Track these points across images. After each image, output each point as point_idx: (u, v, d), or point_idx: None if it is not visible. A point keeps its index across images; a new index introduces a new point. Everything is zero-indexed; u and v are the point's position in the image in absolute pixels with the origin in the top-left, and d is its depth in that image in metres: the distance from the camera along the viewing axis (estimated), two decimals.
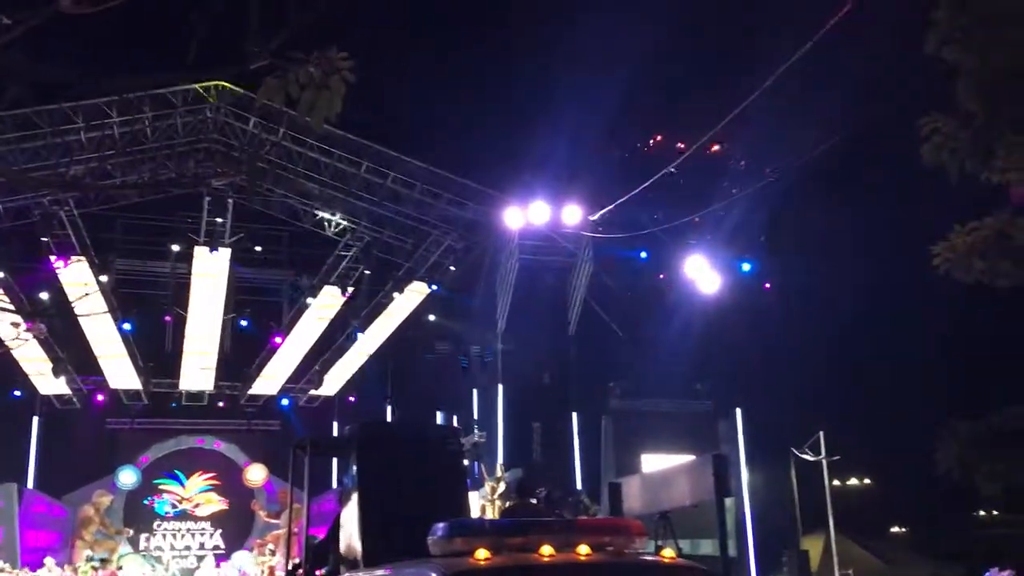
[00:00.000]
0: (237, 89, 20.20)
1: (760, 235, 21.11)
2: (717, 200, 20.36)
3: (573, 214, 18.85)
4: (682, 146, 19.15)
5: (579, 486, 21.41)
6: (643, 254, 21.60)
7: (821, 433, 20.39)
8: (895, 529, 27.50)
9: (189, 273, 23.06)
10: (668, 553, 5.29)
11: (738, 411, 21.38)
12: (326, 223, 24.59)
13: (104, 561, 26.04)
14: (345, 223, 24.30)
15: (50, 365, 24.82)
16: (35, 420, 27.87)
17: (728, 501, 16.02)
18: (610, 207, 17.72)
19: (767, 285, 21.21)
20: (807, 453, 20.28)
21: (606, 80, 21.24)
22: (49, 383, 26.43)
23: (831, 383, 21.42)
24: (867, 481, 27.84)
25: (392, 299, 24.58)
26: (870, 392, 22.42)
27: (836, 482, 22.70)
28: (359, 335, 25.89)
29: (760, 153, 20.93)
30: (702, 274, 19.56)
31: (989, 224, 8.15)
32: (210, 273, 22.58)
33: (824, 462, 20.18)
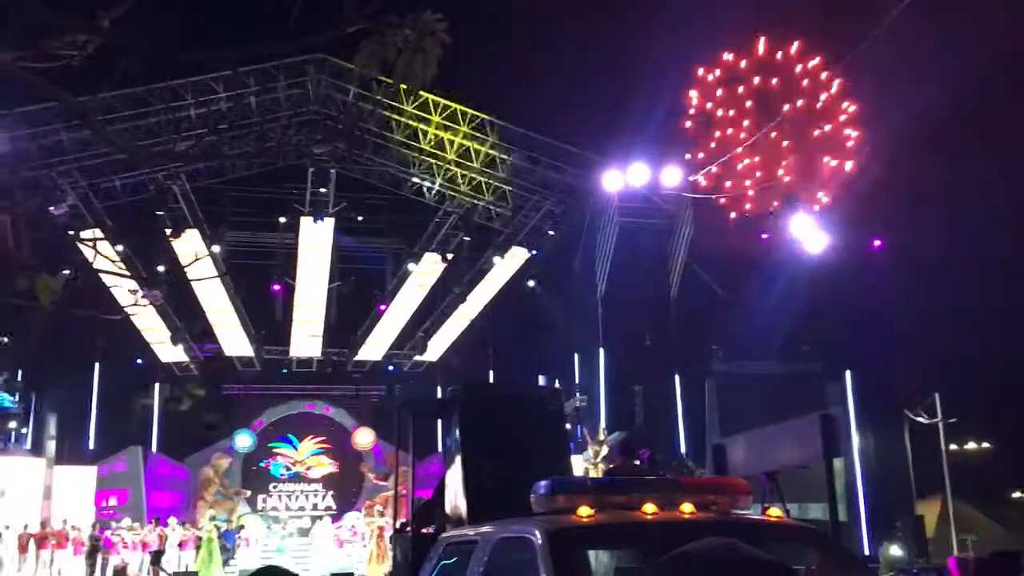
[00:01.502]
0: (337, 61, 20.53)
1: (869, 193, 20.37)
2: (824, 158, 19.73)
3: (672, 175, 18.53)
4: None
5: (682, 449, 21.24)
6: (745, 214, 21.09)
7: (937, 395, 19.65)
8: (1017, 494, 26.35)
9: (296, 243, 23.71)
10: (775, 512, 5.18)
11: (847, 373, 20.78)
12: (426, 191, 24.85)
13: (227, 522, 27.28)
14: (444, 190, 24.51)
15: (169, 334, 25.96)
16: (157, 387, 29.23)
17: (838, 465, 15.66)
18: (709, 167, 17.35)
19: (877, 242, 20.47)
20: (922, 415, 19.59)
21: (708, 38, 20.69)
22: (168, 351, 27.65)
23: (946, 343, 20.54)
24: (986, 444, 26.77)
25: (492, 264, 24.74)
26: (988, 352, 21.43)
27: (953, 445, 21.85)
28: (461, 302, 26.20)
29: (872, 107, 20.17)
30: (808, 232, 19.00)
31: None
32: (316, 243, 23.17)
33: (940, 424, 19.46)
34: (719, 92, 20.70)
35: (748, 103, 20.38)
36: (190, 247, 21.82)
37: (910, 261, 20.16)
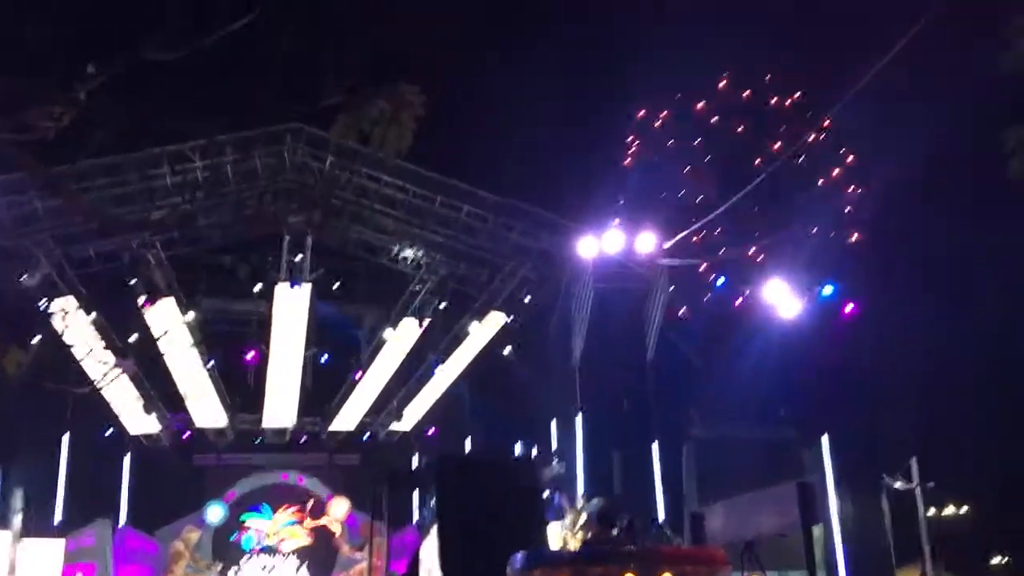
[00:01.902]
0: (314, 130, 20.71)
1: (841, 259, 20.58)
2: (795, 223, 19.97)
3: (647, 241, 18.68)
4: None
5: (661, 516, 21.03)
6: (720, 280, 21.26)
7: (914, 459, 19.65)
8: (996, 560, 26.24)
9: (271, 311, 23.58)
10: None
11: (824, 437, 20.77)
12: (402, 257, 24.90)
13: None
14: (421, 257, 24.57)
15: (140, 404, 25.57)
16: (126, 458, 28.65)
17: (817, 531, 15.55)
18: (684, 233, 17.51)
19: (849, 308, 20.64)
20: (899, 480, 19.56)
21: (682, 104, 21.07)
22: (139, 422, 27.20)
23: (923, 407, 20.66)
24: (965, 509, 26.72)
25: (468, 332, 24.71)
26: (966, 416, 21.56)
27: (932, 510, 21.77)
28: (437, 368, 26.07)
29: (840, 174, 20.48)
30: (781, 298, 19.15)
31: None
32: (291, 310, 23.07)
33: (918, 490, 19.42)
34: (670, 142, 20.35)
35: (708, 157, 20.20)
36: (164, 315, 21.67)
37: (885, 325, 20.34)
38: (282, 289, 22.35)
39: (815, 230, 19.68)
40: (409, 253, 24.57)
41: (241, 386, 28.06)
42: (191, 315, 23.18)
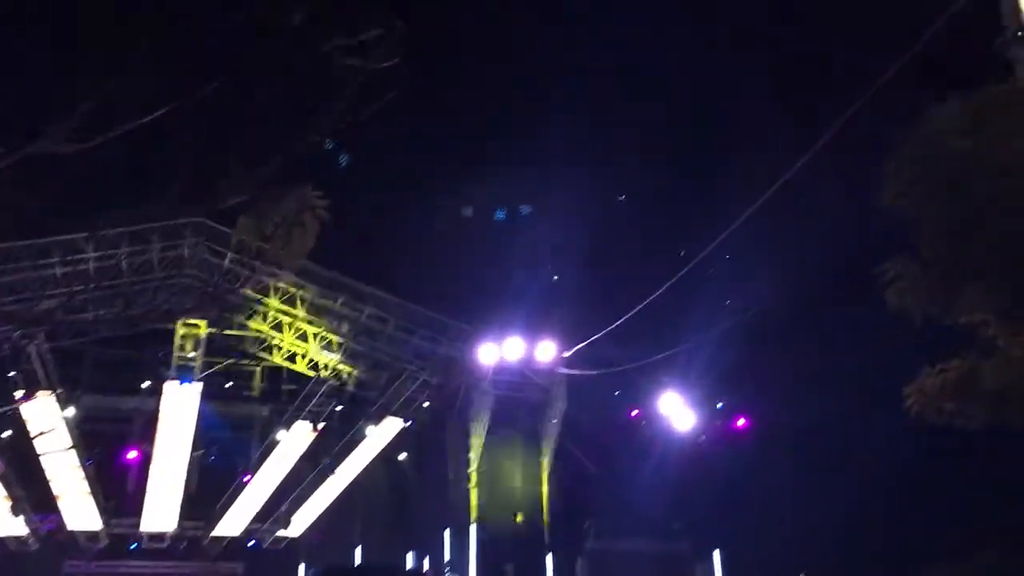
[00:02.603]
0: (214, 225, 20.44)
1: (732, 374, 21.14)
2: (688, 339, 20.50)
3: (547, 350, 18.90)
4: None
5: None
6: (616, 392, 21.56)
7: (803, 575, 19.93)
8: None
9: (158, 409, 22.72)
10: None
11: (716, 552, 20.91)
12: (299, 358, 24.47)
13: None
14: (319, 358, 24.19)
15: (7, 504, 23.98)
16: None
17: None
18: (582, 344, 17.80)
19: (740, 423, 21.15)
20: None
21: (580, 216, 21.77)
22: (5, 523, 25.44)
23: (811, 523, 21.08)
24: None
25: (364, 435, 24.24)
26: (851, 533, 22.07)
27: None
28: (330, 472, 25.36)
29: (730, 294, 21.23)
30: (676, 411, 19.51)
31: (957, 366, 8.25)
32: (179, 408, 22.26)
33: None
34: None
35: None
36: (41, 411, 20.62)
37: (775, 442, 20.83)
38: (171, 386, 21.60)
39: (710, 347, 20.29)
40: (307, 354, 24.18)
41: (119, 487, 26.70)
42: (71, 411, 22.09)
